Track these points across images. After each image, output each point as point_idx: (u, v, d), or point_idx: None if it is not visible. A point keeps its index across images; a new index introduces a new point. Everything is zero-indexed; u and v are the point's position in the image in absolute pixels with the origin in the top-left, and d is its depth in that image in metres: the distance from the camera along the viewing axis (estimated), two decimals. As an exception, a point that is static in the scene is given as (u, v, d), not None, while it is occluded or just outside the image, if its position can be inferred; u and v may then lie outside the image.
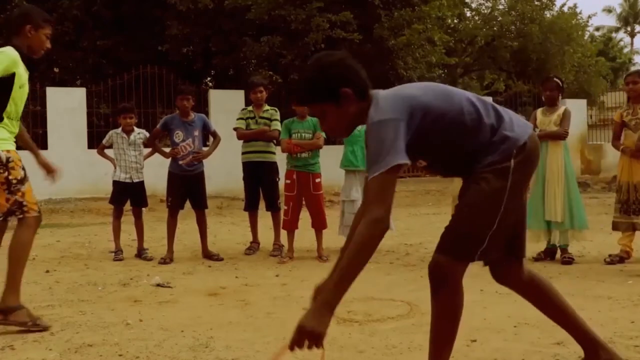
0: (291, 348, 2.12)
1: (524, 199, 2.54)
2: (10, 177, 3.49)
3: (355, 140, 6.33)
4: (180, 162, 6.06)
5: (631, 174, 5.51)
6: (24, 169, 3.58)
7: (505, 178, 2.33)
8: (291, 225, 6.06)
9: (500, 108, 2.47)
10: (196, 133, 6.12)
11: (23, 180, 3.56)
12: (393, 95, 2.32)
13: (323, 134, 6.29)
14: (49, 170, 3.92)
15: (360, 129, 5.58)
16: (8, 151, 3.52)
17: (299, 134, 6.00)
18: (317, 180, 6.06)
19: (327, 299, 2.15)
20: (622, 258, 5.55)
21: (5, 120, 3.55)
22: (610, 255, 5.57)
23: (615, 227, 5.62)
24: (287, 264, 5.73)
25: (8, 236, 3.94)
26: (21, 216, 3.59)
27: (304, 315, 2.14)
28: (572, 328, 2.67)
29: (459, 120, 2.34)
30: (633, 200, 5.47)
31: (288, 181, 6.04)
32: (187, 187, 6.12)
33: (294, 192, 6.00)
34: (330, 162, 6.64)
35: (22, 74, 3.60)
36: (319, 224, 6.08)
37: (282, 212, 6.54)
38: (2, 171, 3.48)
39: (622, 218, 5.55)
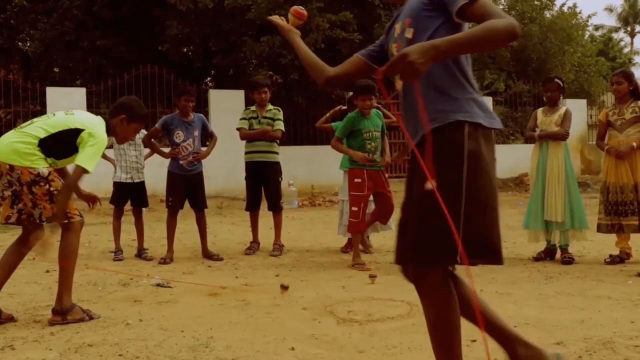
0: (385, 72, 2.03)
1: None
2: (51, 189, 3.73)
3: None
4: (181, 162, 6.06)
5: (617, 175, 5.50)
6: (60, 179, 3.84)
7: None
8: (360, 227, 5.66)
9: None
10: (196, 133, 6.12)
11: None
12: None
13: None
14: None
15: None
16: (46, 167, 3.74)
17: (370, 133, 5.64)
18: (387, 175, 5.85)
19: (437, 43, 1.99)
20: (622, 258, 5.55)
21: (49, 160, 3.78)
22: (610, 256, 5.57)
23: (599, 228, 5.62)
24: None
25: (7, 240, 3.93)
26: (66, 222, 3.79)
27: (410, 47, 1.98)
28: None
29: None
30: (620, 201, 5.45)
31: (358, 180, 5.60)
32: (186, 187, 6.12)
33: (365, 192, 5.61)
34: (330, 162, 6.63)
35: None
36: (386, 220, 5.96)
37: (282, 213, 6.55)
38: (43, 184, 3.71)
39: (606, 220, 5.54)
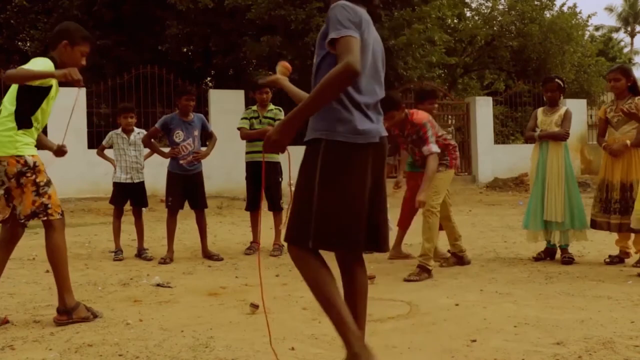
0: (264, 152, 2.55)
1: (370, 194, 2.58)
2: (37, 180, 3.65)
3: None
4: (181, 162, 6.06)
5: (612, 172, 5.50)
6: (45, 172, 3.73)
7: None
8: (407, 225, 5.99)
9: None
10: (196, 133, 6.12)
11: (49, 183, 3.72)
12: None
13: None
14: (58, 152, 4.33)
15: None
16: (33, 156, 3.68)
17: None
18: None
19: (289, 116, 2.47)
20: (621, 258, 5.55)
21: (34, 130, 3.72)
22: (610, 256, 5.57)
23: (594, 225, 5.60)
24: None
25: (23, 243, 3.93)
26: (45, 219, 3.69)
27: (271, 130, 2.51)
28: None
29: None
30: (615, 199, 5.44)
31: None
32: (186, 187, 6.12)
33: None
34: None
35: (54, 90, 3.75)
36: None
37: (284, 213, 6.54)
38: (30, 175, 3.64)
39: (601, 217, 5.53)
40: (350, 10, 2.46)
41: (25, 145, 3.66)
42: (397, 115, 4.90)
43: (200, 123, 6.19)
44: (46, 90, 3.68)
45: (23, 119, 3.65)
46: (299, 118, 2.44)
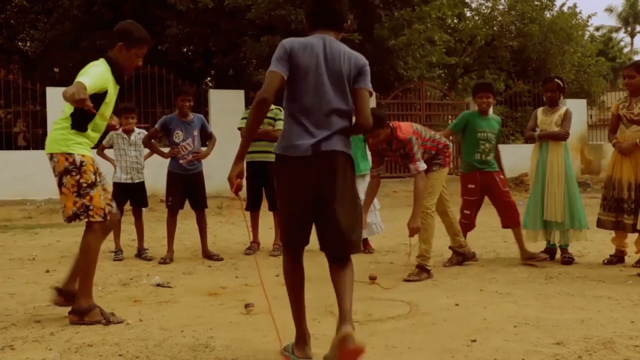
0: (234, 192, 3.06)
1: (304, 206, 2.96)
2: (81, 181, 3.68)
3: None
4: (181, 162, 6.06)
5: (621, 171, 5.46)
6: (95, 174, 3.76)
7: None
8: (470, 227, 5.80)
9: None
10: (195, 133, 6.12)
11: (93, 185, 3.73)
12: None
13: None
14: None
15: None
16: (83, 156, 3.71)
17: (485, 134, 5.70)
18: (502, 176, 5.76)
19: (236, 154, 3.07)
20: (619, 257, 5.54)
21: (89, 131, 3.77)
22: (610, 255, 5.57)
23: (602, 225, 5.59)
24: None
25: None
26: (86, 220, 3.72)
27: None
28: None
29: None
30: (619, 198, 5.43)
31: (471, 185, 5.69)
32: (186, 187, 6.12)
33: (477, 196, 5.72)
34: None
35: (111, 93, 3.77)
36: (513, 221, 5.66)
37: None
38: (74, 174, 3.68)
39: (607, 216, 5.52)
40: (279, 48, 2.89)
41: (77, 144, 3.71)
42: (382, 132, 4.83)
43: (200, 123, 6.19)
44: (101, 96, 3.69)
45: (78, 122, 3.70)
46: (239, 152, 3.08)
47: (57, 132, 3.73)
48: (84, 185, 3.68)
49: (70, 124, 3.70)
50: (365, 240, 6.36)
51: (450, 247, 5.66)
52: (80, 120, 3.69)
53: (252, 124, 2.95)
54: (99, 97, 3.67)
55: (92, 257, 3.79)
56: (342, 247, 2.93)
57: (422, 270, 5.00)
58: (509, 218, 5.65)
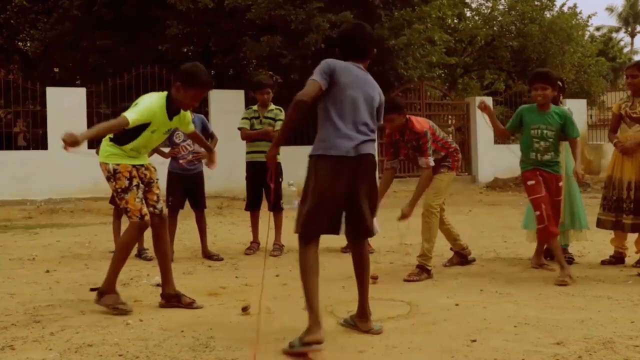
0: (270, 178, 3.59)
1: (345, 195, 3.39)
2: (116, 186, 4.07)
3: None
4: (181, 161, 6.06)
5: (622, 171, 5.45)
6: (129, 179, 4.07)
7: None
8: (549, 231, 4.95)
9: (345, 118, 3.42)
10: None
11: (127, 190, 4.06)
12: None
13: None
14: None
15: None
16: (117, 164, 4.07)
17: (539, 131, 5.02)
18: (560, 184, 5.12)
19: (274, 141, 3.58)
20: (618, 258, 5.53)
21: (129, 149, 4.08)
22: (610, 256, 5.57)
23: (601, 224, 5.57)
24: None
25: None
26: (129, 217, 4.13)
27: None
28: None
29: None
30: (625, 198, 5.40)
31: (531, 182, 5.00)
32: (186, 187, 6.12)
33: (543, 193, 4.94)
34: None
35: (158, 124, 4.06)
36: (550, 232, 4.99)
37: (283, 213, 6.54)
38: (112, 180, 4.09)
39: (607, 215, 5.50)
40: (324, 65, 3.39)
41: (112, 154, 4.08)
42: (397, 119, 4.90)
43: (201, 123, 6.19)
44: (142, 126, 3.99)
45: (117, 138, 4.07)
46: (279, 137, 3.59)
47: (102, 144, 4.18)
48: (119, 190, 4.07)
49: (110, 137, 4.10)
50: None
51: (451, 249, 5.67)
52: (120, 137, 4.05)
53: (289, 121, 3.41)
54: (137, 128, 3.98)
55: (125, 250, 4.18)
56: (365, 233, 3.55)
57: (422, 270, 5.00)
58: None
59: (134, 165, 4.12)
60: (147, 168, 4.24)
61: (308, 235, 3.36)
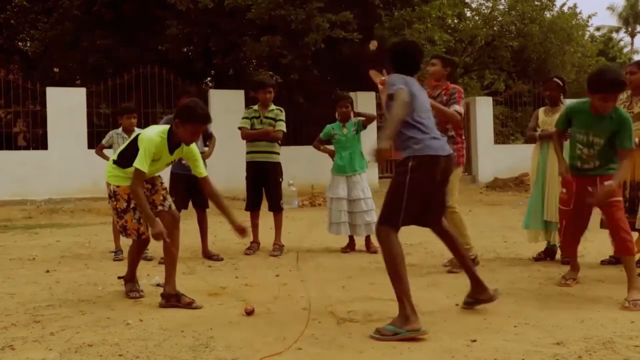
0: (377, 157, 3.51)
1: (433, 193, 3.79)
2: (117, 206, 4.33)
3: (343, 147, 6.40)
4: (183, 162, 6.03)
5: None
6: (127, 201, 4.29)
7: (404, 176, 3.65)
8: (566, 245, 4.83)
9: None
10: None
11: (125, 211, 4.32)
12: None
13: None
14: (240, 231, 4.70)
15: (352, 132, 5.80)
16: (117, 186, 4.30)
17: (586, 137, 4.42)
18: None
19: (382, 135, 3.57)
20: (617, 259, 5.51)
21: (130, 172, 4.16)
22: (610, 256, 5.56)
23: (602, 224, 5.56)
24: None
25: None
26: (127, 237, 4.49)
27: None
28: (466, 268, 4.00)
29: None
30: (625, 198, 5.38)
31: (563, 190, 4.71)
32: (189, 187, 6.11)
33: (569, 207, 4.60)
34: (330, 162, 6.64)
35: (161, 157, 4.24)
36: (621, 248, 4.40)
37: (283, 213, 6.55)
38: (113, 200, 4.36)
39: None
40: (398, 78, 3.75)
41: (114, 176, 4.32)
42: (437, 65, 5.42)
43: None
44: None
45: (120, 161, 4.32)
46: (387, 134, 3.58)
47: (107, 165, 4.44)
48: (119, 210, 4.32)
49: (114, 159, 4.35)
50: (368, 239, 6.37)
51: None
52: (122, 162, 4.29)
53: (398, 120, 3.59)
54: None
55: (133, 258, 4.59)
56: (443, 215, 4.01)
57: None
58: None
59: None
60: (147, 181, 4.38)
61: (398, 227, 3.66)
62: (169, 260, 4.31)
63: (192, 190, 6.12)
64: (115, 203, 4.32)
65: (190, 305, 4.15)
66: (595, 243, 6.24)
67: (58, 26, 15.00)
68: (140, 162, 4.07)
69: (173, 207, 4.51)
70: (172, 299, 4.20)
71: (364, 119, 6.51)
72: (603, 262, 5.54)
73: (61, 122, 12.20)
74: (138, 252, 4.62)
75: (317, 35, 13.12)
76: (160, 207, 4.37)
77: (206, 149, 6.25)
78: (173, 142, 4.21)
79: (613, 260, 5.50)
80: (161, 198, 4.42)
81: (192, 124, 4.12)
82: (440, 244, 5.82)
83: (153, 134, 4.18)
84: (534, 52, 19.65)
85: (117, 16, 15.20)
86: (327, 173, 6.70)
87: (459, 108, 5.25)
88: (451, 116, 5.23)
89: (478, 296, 3.93)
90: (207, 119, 4.19)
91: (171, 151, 4.26)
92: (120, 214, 4.32)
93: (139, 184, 4.11)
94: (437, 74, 5.44)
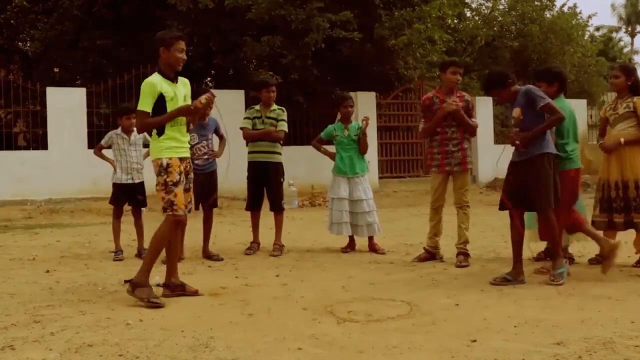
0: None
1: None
2: (168, 180, 4.29)
3: (344, 148, 6.39)
4: (197, 162, 6.00)
5: (608, 172, 5.51)
6: (180, 174, 4.34)
7: None
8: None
9: None
10: (210, 135, 6.19)
11: (177, 184, 4.32)
12: None
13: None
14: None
15: (353, 136, 5.89)
16: (170, 159, 4.31)
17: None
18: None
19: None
20: (603, 256, 5.52)
21: (168, 132, 4.33)
22: (596, 255, 5.60)
23: (596, 225, 5.59)
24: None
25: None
26: (170, 213, 4.29)
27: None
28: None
29: None
30: (614, 197, 5.43)
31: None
32: (200, 186, 6.08)
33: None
34: (330, 162, 6.64)
35: (168, 90, 4.32)
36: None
37: (284, 213, 6.56)
38: (163, 174, 4.30)
39: (600, 217, 5.55)
40: (540, 91, 4.86)
41: (165, 149, 4.32)
42: (453, 76, 5.92)
43: (214, 126, 6.27)
44: (161, 99, 4.29)
45: (158, 129, 4.35)
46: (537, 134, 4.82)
47: (152, 142, 4.41)
48: (170, 183, 4.28)
49: (156, 133, 4.35)
50: (371, 240, 6.38)
51: (425, 247, 5.85)
52: (160, 129, 4.33)
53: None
54: (160, 102, 4.28)
55: (160, 243, 4.36)
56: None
57: (467, 256, 5.63)
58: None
59: (180, 159, 4.37)
60: (188, 163, 4.50)
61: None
62: (170, 252, 4.47)
63: (204, 188, 6.07)
64: (166, 177, 4.29)
65: (195, 293, 4.38)
66: (595, 243, 6.24)
67: (58, 26, 14.99)
68: (141, 104, 4.25)
69: (191, 212, 4.67)
70: (177, 288, 4.41)
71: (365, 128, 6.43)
72: (591, 262, 5.57)
73: (61, 122, 12.19)
74: (177, 239, 4.63)
75: (317, 35, 13.11)
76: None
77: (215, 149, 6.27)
78: (168, 75, 4.37)
79: (600, 259, 5.51)
80: (189, 199, 4.54)
81: (177, 42, 4.31)
82: (443, 243, 5.87)
83: (147, 80, 4.35)
84: (534, 53, 19.66)
85: (117, 16, 15.19)
86: (327, 173, 6.70)
87: (476, 121, 5.97)
88: (474, 130, 5.96)
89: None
90: (179, 35, 4.41)
91: (171, 80, 4.38)
92: (170, 188, 4.28)
93: (144, 122, 4.31)
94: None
